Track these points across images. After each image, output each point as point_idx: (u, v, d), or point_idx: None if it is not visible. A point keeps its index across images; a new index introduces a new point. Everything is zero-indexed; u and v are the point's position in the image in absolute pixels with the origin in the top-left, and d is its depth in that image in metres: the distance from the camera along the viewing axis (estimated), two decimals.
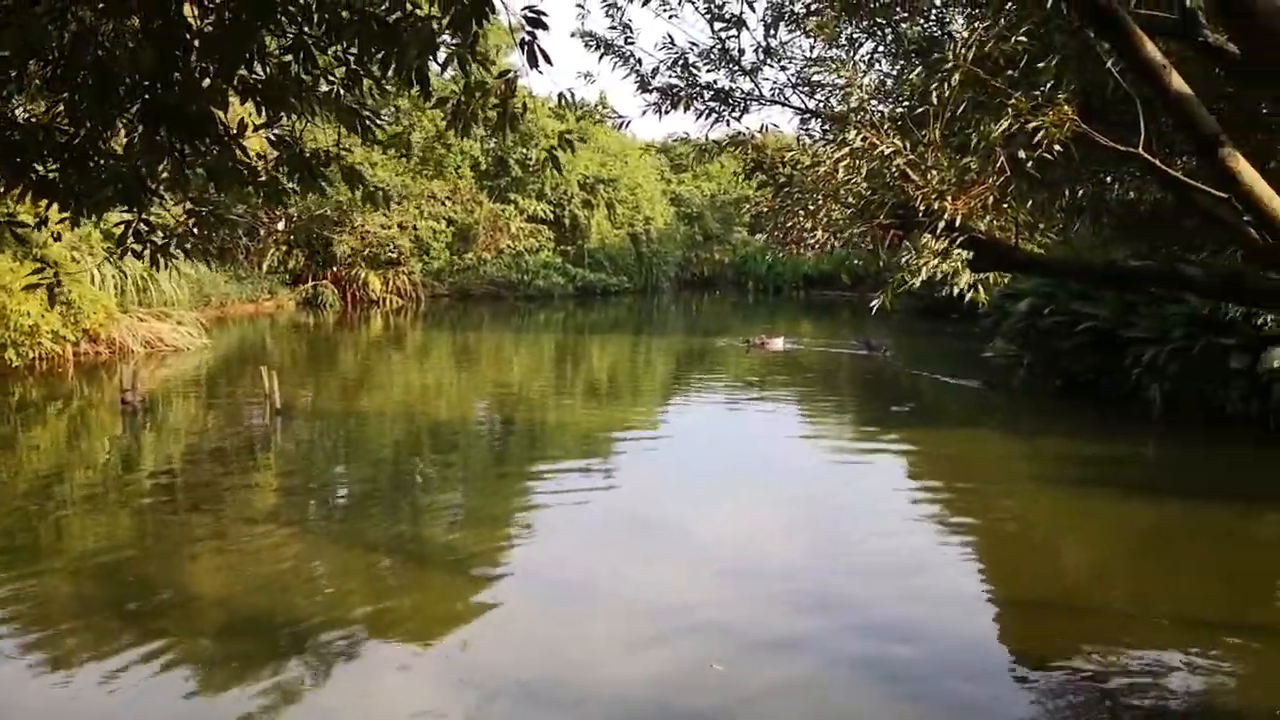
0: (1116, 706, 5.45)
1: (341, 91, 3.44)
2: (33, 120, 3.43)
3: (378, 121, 3.54)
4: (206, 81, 3.29)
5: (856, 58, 4.78)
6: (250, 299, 34.80)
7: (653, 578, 7.58)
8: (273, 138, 3.53)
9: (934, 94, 4.14)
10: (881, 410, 15.45)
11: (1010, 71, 4.49)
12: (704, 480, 11.00)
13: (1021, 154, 3.61)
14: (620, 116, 5.41)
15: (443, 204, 40.69)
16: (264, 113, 3.39)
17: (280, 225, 38.20)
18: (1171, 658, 6.10)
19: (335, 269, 38.40)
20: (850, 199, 4.07)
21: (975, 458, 12.41)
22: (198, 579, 7.81)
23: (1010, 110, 3.84)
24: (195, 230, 3.68)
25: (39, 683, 5.88)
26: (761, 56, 4.82)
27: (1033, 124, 3.69)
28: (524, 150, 42.41)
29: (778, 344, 23.45)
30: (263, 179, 3.54)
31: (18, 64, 3.20)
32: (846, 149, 3.93)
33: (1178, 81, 3.00)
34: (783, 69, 4.82)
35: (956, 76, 4.06)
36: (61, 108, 3.38)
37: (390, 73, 3.15)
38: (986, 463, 12.19)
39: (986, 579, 7.90)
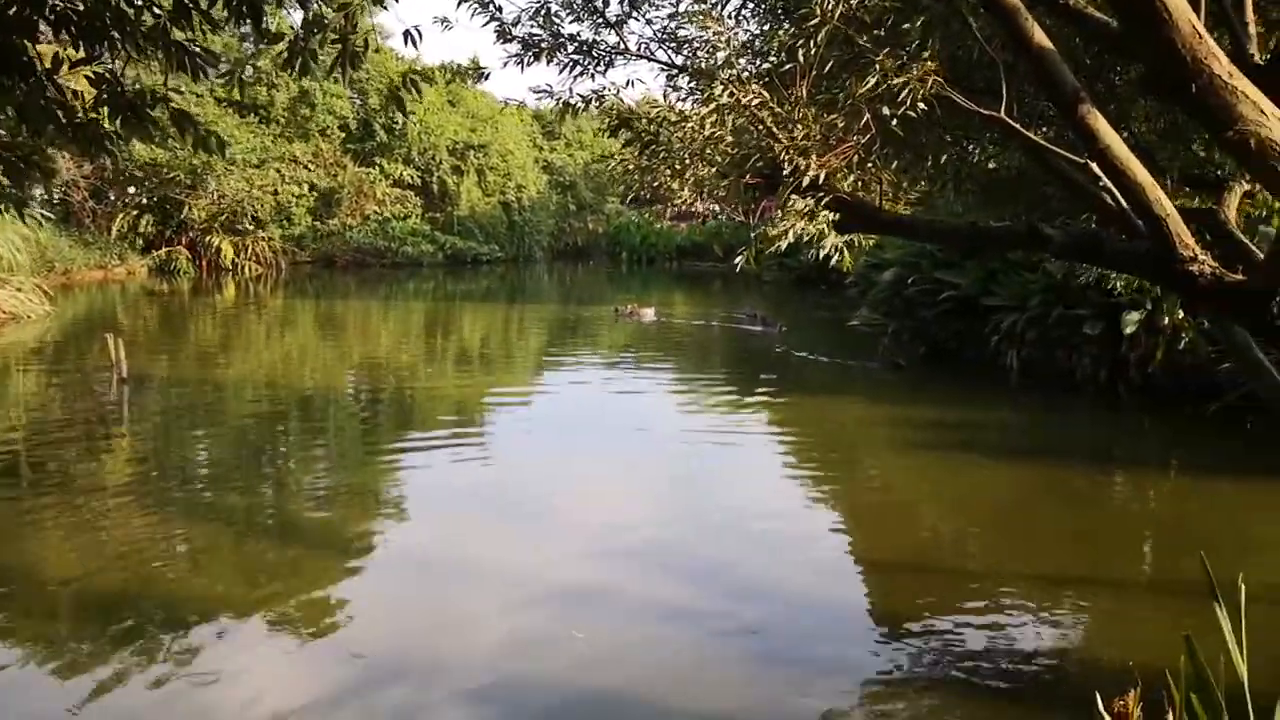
0: (974, 662, 5.62)
1: (169, 26, 3.15)
2: None
3: (210, 61, 3.25)
4: (12, 9, 2.96)
5: (724, 13, 4.70)
6: (99, 265, 32.87)
7: (524, 550, 7.46)
8: (92, 76, 3.21)
9: (801, 52, 4.10)
10: (751, 380, 15.64)
11: (877, 31, 4.49)
12: (576, 452, 10.91)
13: (886, 111, 3.61)
14: (480, 69, 5.19)
15: (305, 168, 39.17)
16: (82, 48, 3.06)
17: (130, 189, 36.17)
18: (1026, 614, 6.33)
19: (190, 235, 36.59)
20: (717, 156, 4.00)
21: (842, 426, 12.70)
22: (43, 561, 7.27)
23: (876, 68, 3.83)
24: (5, 178, 3.32)
25: None
26: (626, 9, 4.69)
27: (897, 81, 3.69)
28: (390, 113, 41.19)
29: (649, 314, 23.48)
30: (80, 120, 3.21)
31: None
32: (713, 105, 3.85)
33: (1040, 36, 3.02)
34: (649, 23, 4.71)
35: (823, 34, 4.03)
36: None
37: (220, 5, 2.89)
38: (852, 430, 12.49)
39: (851, 544, 8.07)
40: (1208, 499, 9.23)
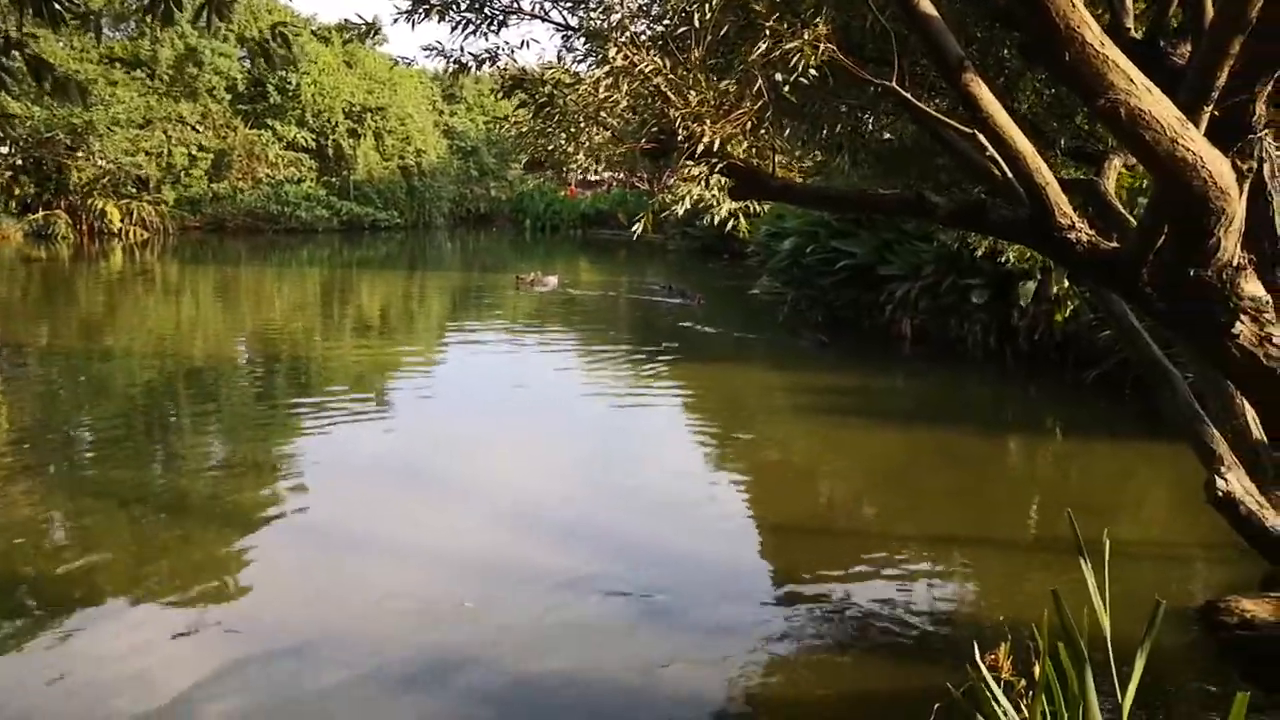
0: (865, 620, 5.78)
1: None
2: None
3: (69, 6, 3.04)
4: None
5: None
6: None
7: (423, 520, 7.37)
8: None
9: (696, 16, 4.06)
10: (654, 348, 15.69)
11: None
12: (478, 421, 10.80)
13: (779, 78, 3.60)
14: (369, 24, 5.02)
15: (193, 129, 37.60)
16: None
17: (3, 149, 34.23)
18: (916, 574, 6.54)
19: (70, 198, 34.84)
20: (611, 121, 3.95)
21: (741, 392, 12.85)
22: None
23: (768, 33, 3.82)
24: None
25: None
26: None
27: (789, 47, 3.68)
28: (283, 74, 39.79)
29: (551, 282, 23.31)
30: None
31: None
32: (607, 67, 3.79)
33: (926, 5, 3.05)
34: None
35: None
36: None
37: None
38: (753, 397, 12.66)
39: (749, 508, 8.19)
40: (1085, 461, 9.66)
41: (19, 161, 34.38)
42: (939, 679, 2.96)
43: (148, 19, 2.97)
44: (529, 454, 9.54)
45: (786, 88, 3.60)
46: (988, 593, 6.40)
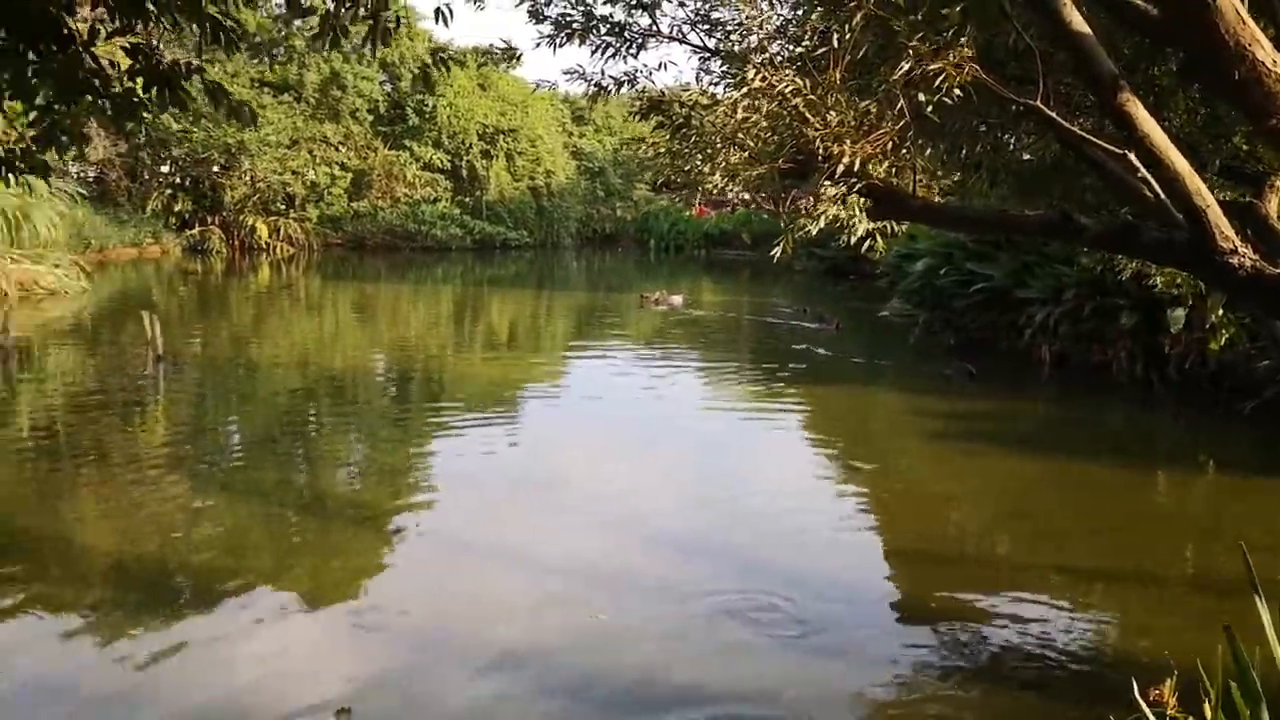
0: (1001, 653, 5.59)
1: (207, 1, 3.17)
2: None
3: (241, 32, 3.26)
4: None
5: None
6: (133, 243, 33.26)
7: (549, 531, 7.49)
8: (127, 47, 3.23)
9: (835, 36, 4.06)
10: (778, 369, 15.58)
11: (913, 17, 4.44)
12: (603, 436, 10.94)
13: (921, 98, 3.56)
14: (511, 49, 5.18)
15: (336, 149, 39.38)
16: (117, 19, 3.09)
17: (165, 168, 36.57)
18: (1055, 607, 6.27)
19: (223, 215, 36.94)
20: (749, 142, 3.97)
21: (869, 415, 12.64)
22: (83, 530, 7.41)
23: (910, 53, 3.79)
24: (36, 144, 3.36)
25: None
26: None
27: (932, 67, 3.64)
28: (422, 96, 41.30)
29: (676, 301, 23.41)
30: (116, 91, 3.24)
31: None
32: (745, 89, 3.82)
33: (1078, 22, 2.97)
34: (682, 5, 4.68)
35: (858, 18, 3.98)
36: None
37: None
38: (879, 420, 12.43)
39: (877, 531, 8.03)
40: (1243, 497, 9.10)
41: (178, 180, 36.64)
42: (1086, 716, 2.84)
43: (317, 44, 3.15)
44: (651, 468, 9.61)
45: (930, 108, 3.56)
46: (1132, 629, 6.10)
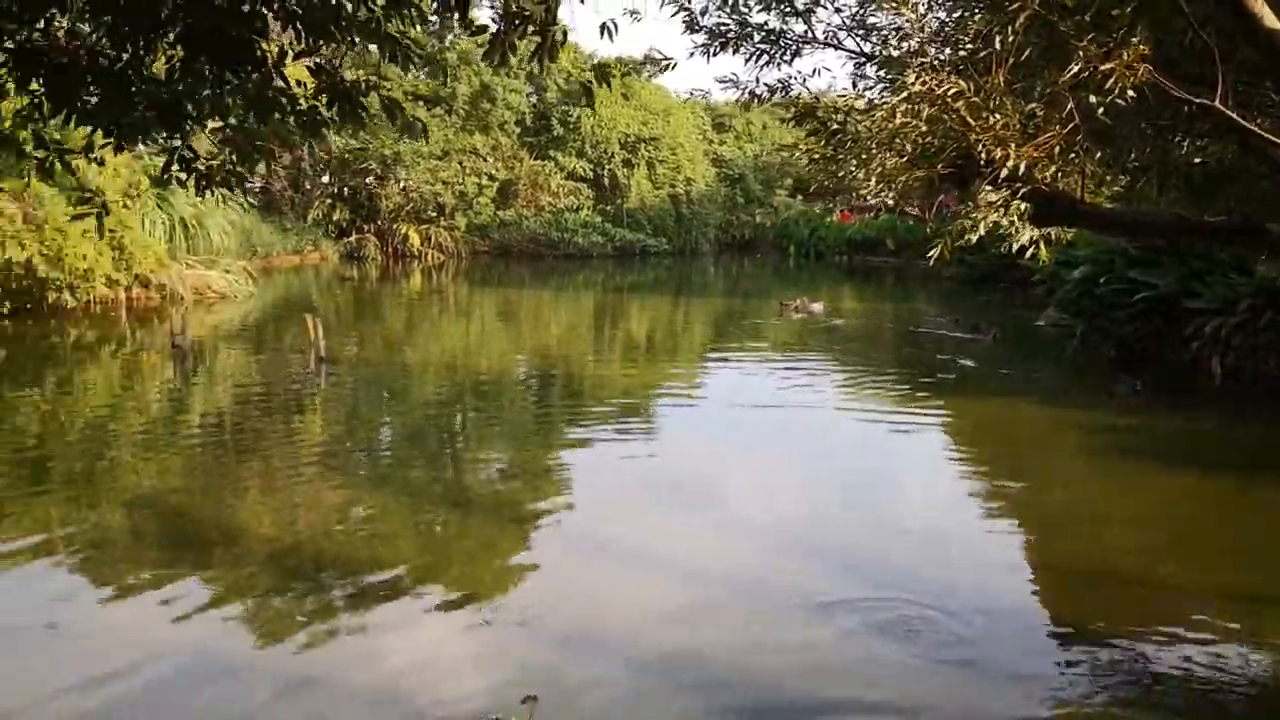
0: (1167, 683, 5.30)
1: (382, 19, 3.35)
2: (76, 44, 3.38)
3: (416, 50, 3.44)
4: (246, 6, 3.22)
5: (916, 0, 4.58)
6: (295, 250, 35.11)
7: (689, 537, 7.53)
8: (312, 66, 3.45)
9: (998, 38, 3.96)
10: (924, 379, 15.20)
11: (1080, 16, 4.28)
12: (740, 442, 10.91)
13: (1092, 100, 3.44)
14: (666, 58, 5.24)
15: (484, 159, 40.64)
16: (303, 40, 3.30)
17: (325, 179, 38.49)
18: (1224, 637, 5.90)
19: (378, 223, 38.61)
20: (906, 147, 3.91)
21: (1022, 428, 12.18)
22: (246, 519, 7.91)
23: (1079, 55, 3.66)
24: (234, 160, 3.62)
25: (97, 610, 6.06)
26: None
27: (1104, 68, 3.51)
28: (567, 107, 42.17)
29: (817, 309, 23.13)
30: (301, 108, 3.47)
31: None
32: (904, 93, 3.76)
33: (1271, 19, 2.81)
34: (837, 11, 4.64)
35: (1022, 19, 3.88)
36: (103, 31, 3.34)
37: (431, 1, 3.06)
38: (1034, 433, 11.96)
39: (1031, 549, 7.74)
40: None
41: (337, 190, 38.53)
42: None
43: (486, 61, 3.29)
44: (790, 476, 9.54)
45: (1100, 110, 3.43)
46: None
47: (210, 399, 13.15)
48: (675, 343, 21.07)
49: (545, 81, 41.96)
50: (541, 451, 10.58)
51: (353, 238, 38.24)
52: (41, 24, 3.43)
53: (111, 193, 18.45)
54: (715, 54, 4.67)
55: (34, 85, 3.44)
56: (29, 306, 18.58)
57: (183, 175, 3.67)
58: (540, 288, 31.19)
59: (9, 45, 3.30)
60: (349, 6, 3.24)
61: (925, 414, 12.63)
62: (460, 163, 39.77)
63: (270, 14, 3.20)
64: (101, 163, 3.73)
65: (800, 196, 52.71)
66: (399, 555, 7.08)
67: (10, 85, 3.48)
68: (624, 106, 44.46)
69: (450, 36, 36.51)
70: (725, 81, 4.70)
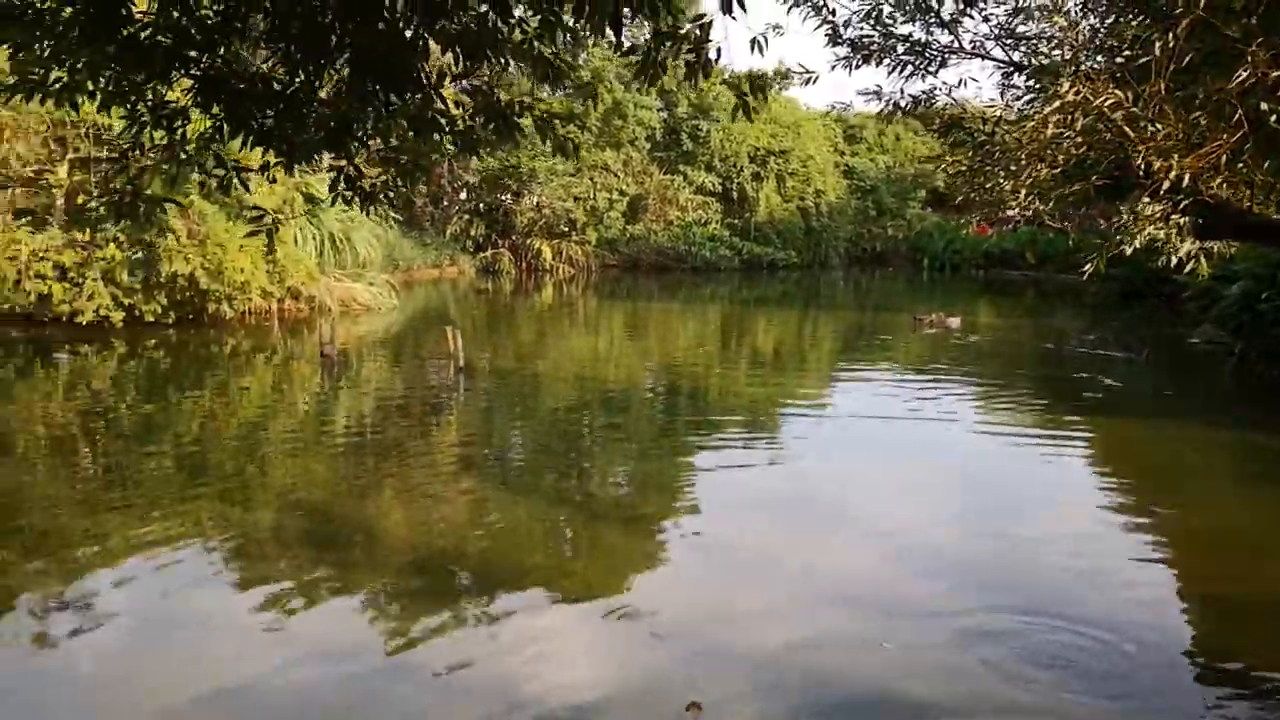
0: None
1: (535, 42, 3.48)
2: (252, 70, 3.63)
3: (568, 71, 3.55)
4: (409, 32, 3.39)
5: (1069, 6, 4.45)
6: (434, 264, 36.32)
7: (817, 551, 7.48)
8: (469, 87, 3.61)
9: (1157, 44, 3.81)
10: (1066, 397, 14.61)
11: (1247, 20, 4.09)
12: (869, 458, 10.74)
13: (1264, 106, 3.27)
14: (808, 72, 5.23)
15: (615, 175, 41.19)
16: (460, 63, 3.45)
17: (463, 195, 39.70)
18: None
19: (513, 238, 39.58)
20: (1059, 158, 3.80)
21: (1173, 451, 11.57)
22: (383, 520, 8.25)
23: (1248, 60, 3.49)
24: (396, 179, 3.82)
25: (241, 600, 6.44)
26: (961, 7, 4.56)
27: (1275, 74, 3.34)
28: (697, 122, 42.37)
29: (953, 324, 22.52)
30: (459, 128, 3.63)
31: (241, 16, 3.39)
32: (1058, 103, 3.66)
33: None
34: (985, 20, 4.55)
35: (1184, 25, 3.73)
36: (277, 58, 3.57)
37: (584, 20, 3.14)
38: (1186, 457, 11.34)
39: (1181, 578, 7.35)
40: None
41: (475, 206, 39.71)
42: None
43: (638, 81, 3.38)
44: (920, 493, 9.35)
45: (1275, 118, 3.27)
46: None
47: (354, 405, 13.74)
48: (803, 356, 20.87)
49: (676, 97, 42.24)
50: (668, 461, 10.66)
51: (488, 252, 39.31)
52: (222, 52, 3.68)
53: (269, 209, 19.52)
54: (857, 66, 4.65)
55: (215, 109, 3.71)
56: (191, 316, 19.81)
57: (348, 193, 3.89)
58: (668, 301, 31.37)
59: (195, 73, 3.57)
60: (504, 30, 3.37)
61: (1067, 434, 12.14)
62: (592, 178, 40.41)
63: (431, 38, 3.36)
64: (274, 180, 3.98)
65: (929, 209, 51.50)
66: (528, 558, 7.27)
67: (195, 109, 3.77)
68: (753, 120, 44.33)
69: (584, 55, 37.16)
70: (868, 94, 4.68)
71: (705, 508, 8.80)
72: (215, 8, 3.43)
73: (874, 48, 4.56)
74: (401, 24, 3.36)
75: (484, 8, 3.35)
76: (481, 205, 39.28)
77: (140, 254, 18.85)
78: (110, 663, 5.54)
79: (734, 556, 7.40)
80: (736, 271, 42.00)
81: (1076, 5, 4.62)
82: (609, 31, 2.99)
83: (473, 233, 39.40)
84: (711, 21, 3.20)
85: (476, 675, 5.41)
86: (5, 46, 3.56)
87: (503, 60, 3.38)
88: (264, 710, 5.05)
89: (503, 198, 39.07)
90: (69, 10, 3.45)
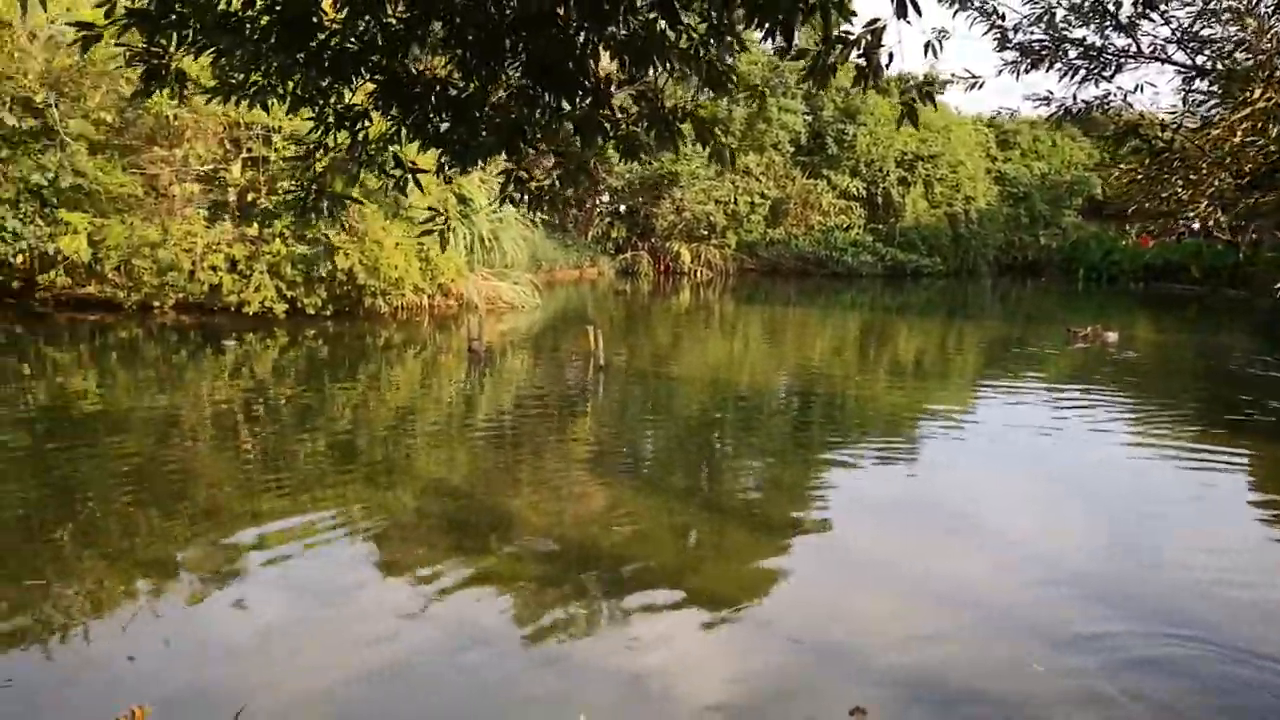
0: None
1: (701, 48, 3.52)
2: (428, 75, 3.81)
3: (733, 77, 3.59)
4: (580, 37, 3.49)
5: (1260, 9, 4.20)
6: (575, 265, 37.00)
7: (953, 566, 7.30)
8: (634, 93, 3.69)
9: None
10: (1231, 416, 13.74)
11: None
12: (1010, 474, 10.39)
13: None
14: (974, 77, 5.08)
15: (756, 179, 41.07)
16: (627, 68, 3.53)
17: (605, 198, 40.33)
18: None
19: (652, 240, 39.97)
20: (1247, 166, 3.60)
21: None
22: (517, 511, 8.48)
23: None
24: (560, 181, 3.94)
25: (383, 582, 6.81)
26: (1141, 9, 4.36)
27: None
28: (842, 125, 41.80)
29: (1111, 338, 21.48)
30: (623, 133, 3.71)
31: (422, 23, 3.56)
32: (1248, 109, 3.48)
33: None
34: (1166, 23, 4.34)
35: None
36: (453, 63, 3.74)
37: (755, 26, 3.18)
38: None
39: None
40: None
41: (616, 209, 40.29)
42: None
43: (805, 85, 3.38)
44: (1060, 508, 9.05)
45: None
46: None
47: (497, 399, 14.16)
48: (945, 367, 20.29)
49: (822, 100, 41.77)
50: (799, 466, 10.58)
51: (628, 254, 39.82)
52: (401, 58, 3.88)
53: (423, 209, 20.34)
54: (1026, 71, 4.51)
55: (394, 112, 3.91)
56: (348, 310, 20.80)
57: (516, 195, 4.04)
58: (806, 306, 31.04)
59: (377, 78, 3.77)
60: (672, 36, 3.44)
61: (1224, 455, 11.40)
62: (733, 182, 40.41)
63: (601, 44, 3.45)
64: (449, 181, 4.17)
65: (1084, 217, 49.35)
66: (659, 556, 7.35)
67: (375, 112, 3.98)
68: (917, 127, 43.39)
69: (729, 58, 37.15)
70: (1037, 99, 4.53)
71: (838, 514, 8.70)
72: (400, 16, 3.61)
73: (1044, 52, 4.43)
74: (572, 31, 3.47)
75: (652, 14, 3.42)
76: (622, 208, 39.80)
77: (315, 250, 19.87)
78: (261, 637, 5.87)
79: (869, 564, 7.30)
80: (879, 278, 41.26)
81: (1268, 8, 4.36)
82: (780, 37, 3.01)
83: (613, 235, 39.99)
84: (885, 26, 3.18)
85: (595, 660, 5.53)
86: (209, 53, 3.84)
87: (669, 66, 3.44)
88: (403, 688, 5.26)
89: (644, 201, 39.49)
90: (265, 19, 3.70)
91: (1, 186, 19.74)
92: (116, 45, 3.87)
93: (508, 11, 3.46)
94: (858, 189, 42.72)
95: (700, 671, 5.44)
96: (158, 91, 4.03)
